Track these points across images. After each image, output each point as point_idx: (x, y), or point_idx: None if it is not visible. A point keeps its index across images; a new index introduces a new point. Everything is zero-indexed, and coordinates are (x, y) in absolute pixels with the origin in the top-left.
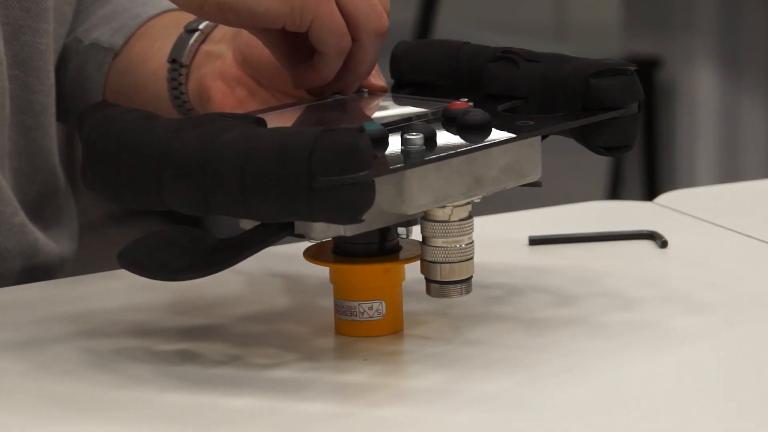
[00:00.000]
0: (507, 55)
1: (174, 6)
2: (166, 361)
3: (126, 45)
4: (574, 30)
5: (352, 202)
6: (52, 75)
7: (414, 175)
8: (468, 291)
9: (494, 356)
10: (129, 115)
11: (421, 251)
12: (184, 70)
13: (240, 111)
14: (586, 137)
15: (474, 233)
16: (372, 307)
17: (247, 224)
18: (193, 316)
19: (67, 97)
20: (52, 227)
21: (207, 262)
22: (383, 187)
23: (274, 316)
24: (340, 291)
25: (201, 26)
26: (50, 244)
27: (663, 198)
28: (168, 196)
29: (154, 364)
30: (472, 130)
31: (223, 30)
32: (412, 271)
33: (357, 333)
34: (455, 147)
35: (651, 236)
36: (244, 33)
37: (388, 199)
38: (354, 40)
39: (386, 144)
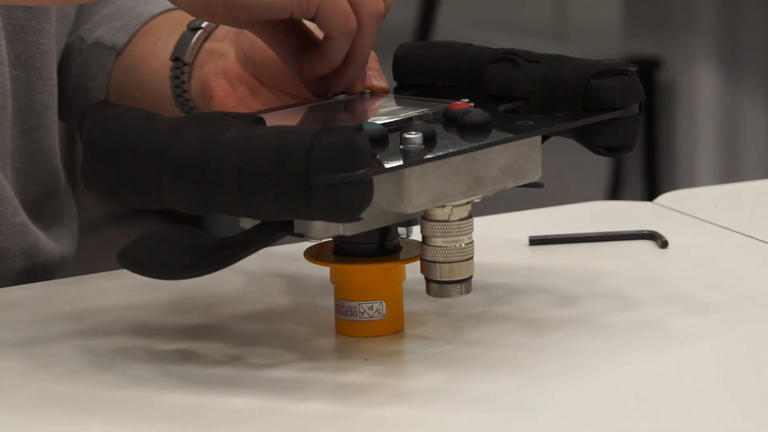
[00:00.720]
0: (508, 56)
1: None
2: (166, 361)
3: (129, 43)
4: (574, 30)
5: (350, 200)
6: (54, 75)
7: (413, 174)
8: (468, 291)
9: (494, 356)
10: (129, 114)
11: (421, 251)
12: (186, 69)
13: (242, 109)
14: (586, 138)
15: (474, 233)
16: (372, 307)
17: (246, 223)
18: (193, 316)
19: (69, 95)
20: (53, 227)
21: (207, 262)
22: (382, 186)
23: (274, 316)
24: (340, 291)
25: (204, 24)
26: (51, 243)
27: (663, 198)
28: (168, 195)
29: (154, 363)
30: (472, 130)
31: (225, 28)
32: (412, 271)
33: (357, 333)
34: (454, 146)
35: (651, 236)
36: (247, 31)
37: (388, 198)
38: None
39: (386, 143)
